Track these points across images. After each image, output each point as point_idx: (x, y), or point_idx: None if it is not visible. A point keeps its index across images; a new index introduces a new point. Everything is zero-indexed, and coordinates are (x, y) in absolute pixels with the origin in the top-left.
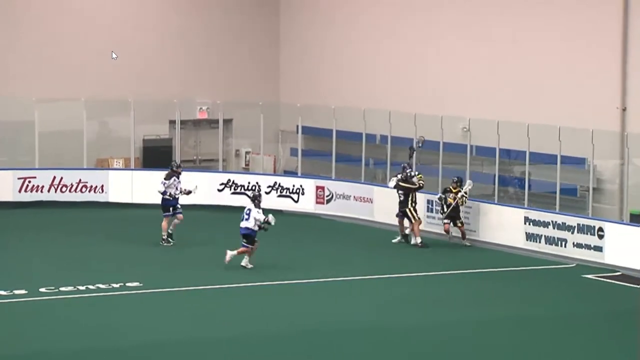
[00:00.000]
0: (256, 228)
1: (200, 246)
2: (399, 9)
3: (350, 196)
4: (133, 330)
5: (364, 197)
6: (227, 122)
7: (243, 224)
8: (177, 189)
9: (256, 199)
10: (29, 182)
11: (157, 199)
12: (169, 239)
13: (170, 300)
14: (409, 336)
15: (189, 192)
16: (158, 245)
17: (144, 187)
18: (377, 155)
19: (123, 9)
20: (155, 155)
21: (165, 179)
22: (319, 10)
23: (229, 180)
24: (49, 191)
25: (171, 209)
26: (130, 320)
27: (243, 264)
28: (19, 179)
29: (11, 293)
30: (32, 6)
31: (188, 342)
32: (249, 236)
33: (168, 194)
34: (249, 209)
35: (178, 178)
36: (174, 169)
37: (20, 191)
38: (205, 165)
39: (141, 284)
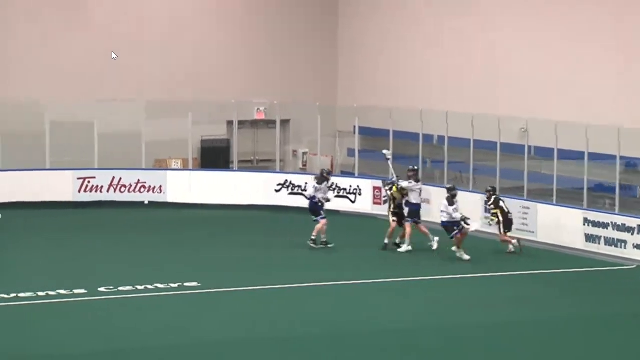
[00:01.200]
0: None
1: (255, 247)
2: (457, 10)
3: None
4: (191, 329)
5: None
6: (285, 122)
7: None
8: (325, 194)
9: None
10: (89, 182)
11: (215, 199)
12: (325, 242)
13: (232, 299)
14: (477, 335)
15: (328, 200)
16: (215, 244)
17: (201, 187)
18: (434, 155)
19: (182, 12)
20: (213, 156)
21: (317, 183)
22: (376, 12)
23: (286, 180)
24: (108, 191)
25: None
26: (186, 319)
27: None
28: (78, 179)
29: (71, 292)
30: (94, 10)
31: (243, 341)
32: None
33: (317, 198)
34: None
35: (328, 183)
36: (325, 175)
37: (80, 191)
38: (262, 165)
39: (199, 284)
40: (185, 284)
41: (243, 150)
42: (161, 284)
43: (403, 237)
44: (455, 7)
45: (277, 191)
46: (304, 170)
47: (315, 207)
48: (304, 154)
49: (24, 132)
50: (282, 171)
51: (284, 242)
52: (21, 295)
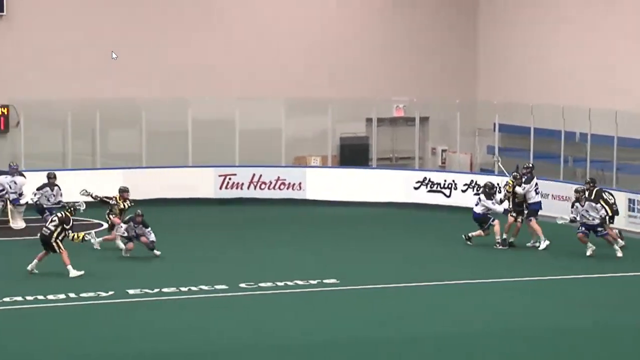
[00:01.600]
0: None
1: (393, 244)
2: (599, 3)
3: (548, 195)
4: (335, 325)
5: (562, 196)
6: (424, 120)
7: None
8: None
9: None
10: (230, 179)
11: (354, 196)
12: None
13: (372, 297)
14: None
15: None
16: (353, 241)
17: (340, 184)
18: (576, 153)
19: (321, 9)
20: (352, 153)
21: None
22: (516, 7)
23: (425, 178)
24: (248, 188)
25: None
26: (322, 316)
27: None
28: (219, 176)
29: (212, 288)
30: (234, 8)
31: (390, 340)
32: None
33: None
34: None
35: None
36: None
37: (220, 188)
38: (401, 163)
39: (338, 281)
40: (325, 281)
41: (382, 148)
42: (301, 280)
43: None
44: (599, 3)
45: (415, 189)
46: (442, 168)
47: (484, 217)
48: (443, 151)
49: (167, 129)
50: (421, 169)
51: (422, 240)
52: (164, 290)
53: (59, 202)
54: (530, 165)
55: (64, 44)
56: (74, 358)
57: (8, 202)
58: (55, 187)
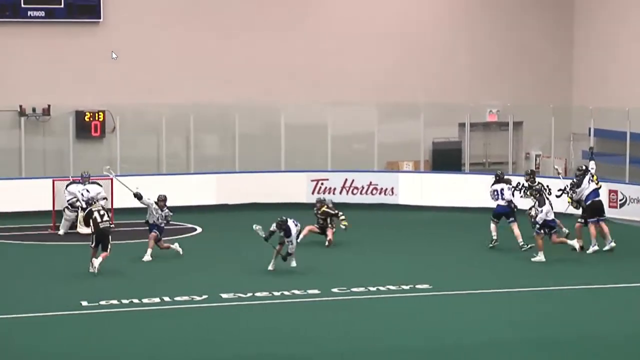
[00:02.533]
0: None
1: (485, 250)
2: None
3: None
4: (430, 330)
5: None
6: (517, 124)
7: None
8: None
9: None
10: (322, 184)
11: (447, 201)
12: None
13: (465, 302)
14: None
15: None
16: (445, 246)
17: (433, 189)
18: None
19: (414, 13)
20: (445, 158)
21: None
22: (613, 10)
23: (519, 183)
24: (340, 193)
25: None
26: (414, 322)
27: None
28: (312, 181)
29: (305, 292)
30: (326, 14)
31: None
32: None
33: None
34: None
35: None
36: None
37: (313, 193)
38: (494, 168)
39: (431, 286)
40: (417, 286)
41: (475, 153)
42: (393, 285)
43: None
44: None
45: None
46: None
47: (511, 210)
48: (537, 156)
49: (260, 134)
50: (514, 173)
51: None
52: (257, 294)
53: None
54: (584, 167)
55: (159, 50)
56: None
57: (80, 210)
58: (165, 209)
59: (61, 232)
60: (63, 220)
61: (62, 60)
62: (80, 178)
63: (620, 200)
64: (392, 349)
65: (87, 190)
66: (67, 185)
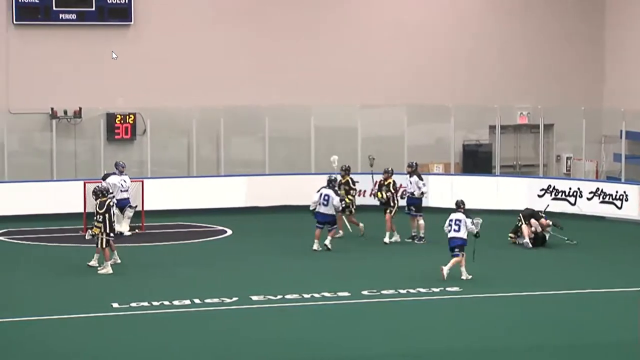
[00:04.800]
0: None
1: (517, 252)
2: None
3: None
4: (461, 333)
5: None
6: (548, 127)
7: None
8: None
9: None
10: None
11: (477, 204)
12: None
13: (493, 306)
14: None
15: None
16: (477, 250)
17: (464, 192)
18: None
19: (442, 15)
20: (475, 161)
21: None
22: None
23: (550, 185)
24: (370, 195)
25: None
26: (443, 324)
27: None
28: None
29: (335, 295)
30: (355, 17)
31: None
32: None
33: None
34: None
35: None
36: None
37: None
38: (525, 171)
39: (461, 289)
40: (448, 289)
41: (505, 155)
42: (423, 288)
43: None
44: None
45: (540, 196)
46: (567, 176)
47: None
48: (568, 158)
49: (290, 136)
50: (545, 176)
51: (545, 248)
52: (287, 296)
53: None
54: None
55: (189, 53)
56: None
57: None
58: None
59: (126, 232)
60: (125, 218)
61: (93, 62)
62: (116, 170)
63: None
64: (417, 352)
65: (125, 181)
66: (103, 177)
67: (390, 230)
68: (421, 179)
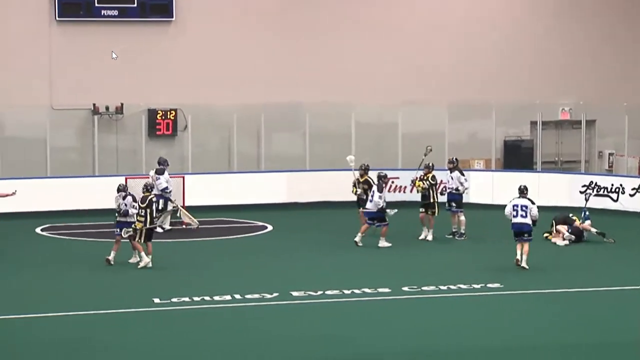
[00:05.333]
0: None
1: (559, 249)
2: None
3: None
4: (506, 330)
5: None
6: (590, 123)
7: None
8: None
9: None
10: (392, 182)
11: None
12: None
13: (536, 301)
14: None
15: None
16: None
17: (504, 188)
18: None
19: (482, 13)
20: (516, 157)
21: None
22: None
23: (592, 182)
24: (410, 192)
25: None
26: (483, 320)
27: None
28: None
29: (375, 291)
30: (397, 15)
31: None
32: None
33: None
34: None
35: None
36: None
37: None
38: (566, 167)
39: (502, 285)
40: (489, 285)
41: (547, 151)
42: (464, 284)
43: None
44: None
45: (581, 192)
46: (609, 172)
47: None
48: (610, 155)
49: (330, 133)
50: (587, 172)
51: (590, 245)
52: (328, 292)
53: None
54: None
55: (230, 49)
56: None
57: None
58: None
59: (166, 226)
60: (167, 214)
61: (135, 58)
62: (159, 167)
63: None
64: (456, 349)
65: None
66: (156, 172)
67: (428, 227)
68: (462, 175)
